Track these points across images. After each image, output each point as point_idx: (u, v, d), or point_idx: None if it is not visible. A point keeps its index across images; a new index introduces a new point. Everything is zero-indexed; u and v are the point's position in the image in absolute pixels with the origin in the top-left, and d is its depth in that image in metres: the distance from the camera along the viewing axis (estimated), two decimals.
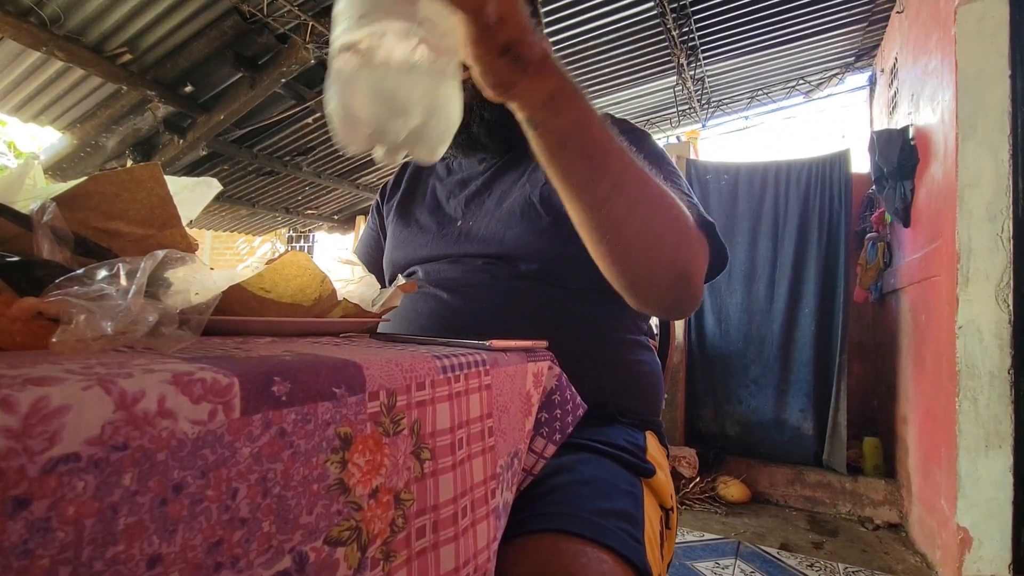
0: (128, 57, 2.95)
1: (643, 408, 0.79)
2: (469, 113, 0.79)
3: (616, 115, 0.80)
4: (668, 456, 0.82)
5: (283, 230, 6.43)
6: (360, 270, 0.61)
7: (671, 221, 0.58)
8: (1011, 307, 1.69)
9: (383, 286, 0.63)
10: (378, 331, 0.59)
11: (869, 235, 2.94)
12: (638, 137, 0.76)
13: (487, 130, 0.81)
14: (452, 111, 0.40)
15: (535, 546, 0.48)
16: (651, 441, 0.76)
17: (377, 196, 1.02)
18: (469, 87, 0.78)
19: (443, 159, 0.94)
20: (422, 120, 0.38)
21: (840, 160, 2.85)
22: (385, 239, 0.94)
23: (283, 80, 2.96)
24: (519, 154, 0.83)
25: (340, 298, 0.52)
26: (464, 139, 0.82)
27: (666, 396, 0.75)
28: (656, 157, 0.70)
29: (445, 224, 0.82)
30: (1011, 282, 1.69)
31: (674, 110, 4.35)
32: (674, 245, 0.59)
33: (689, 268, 0.60)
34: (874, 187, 2.76)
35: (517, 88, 0.45)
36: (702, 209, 0.67)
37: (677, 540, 1.43)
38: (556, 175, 0.52)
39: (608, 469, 0.62)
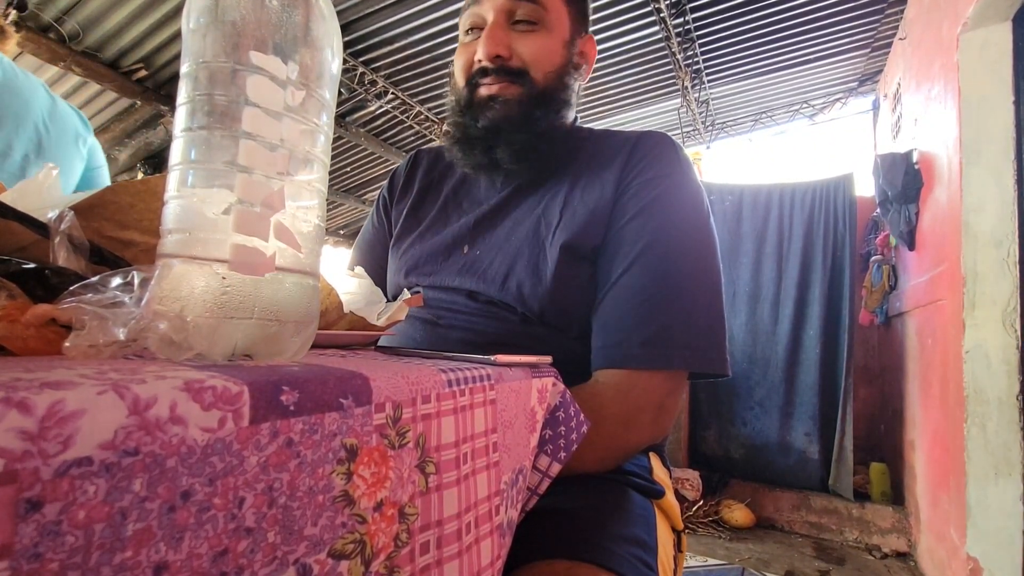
0: (143, 73, 3.02)
1: None
2: (494, 135, 0.73)
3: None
4: (671, 478, 0.81)
5: None
6: (367, 283, 0.61)
7: (626, 453, 0.66)
8: (1019, 332, 1.67)
9: (383, 290, 0.62)
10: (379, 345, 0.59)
11: (874, 258, 2.93)
12: (668, 188, 0.68)
13: (513, 155, 0.73)
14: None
15: (546, 572, 0.48)
16: (655, 462, 0.75)
17: (384, 190, 0.92)
18: (498, 104, 0.73)
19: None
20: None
21: (844, 183, 2.86)
22: (392, 240, 0.87)
23: None
24: (540, 177, 0.76)
25: (346, 310, 0.53)
26: (486, 162, 0.75)
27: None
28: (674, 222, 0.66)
29: (453, 250, 0.77)
30: (1018, 307, 1.68)
31: (679, 131, 4.39)
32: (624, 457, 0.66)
33: (637, 449, 0.66)
34: (879, 210, 2.77)
35: None
36: (715, 339, 0.64)
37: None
38: None
39: (618, 493, 0.61)
